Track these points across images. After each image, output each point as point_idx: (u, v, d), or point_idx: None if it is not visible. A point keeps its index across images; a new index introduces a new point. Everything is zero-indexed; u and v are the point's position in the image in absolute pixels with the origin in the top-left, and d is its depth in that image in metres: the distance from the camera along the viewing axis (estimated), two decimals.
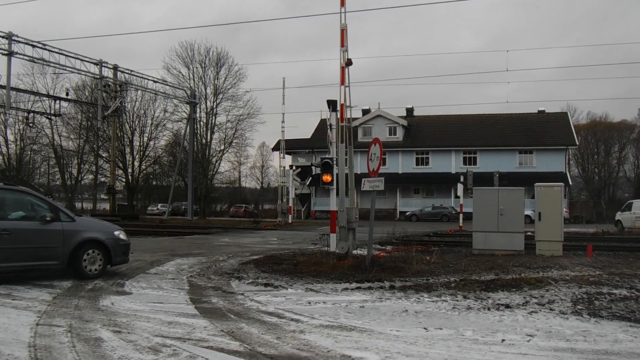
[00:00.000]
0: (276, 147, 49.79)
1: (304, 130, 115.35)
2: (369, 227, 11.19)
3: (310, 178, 50.53)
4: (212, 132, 46.86)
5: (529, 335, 6.47)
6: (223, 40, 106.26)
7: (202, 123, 46.22)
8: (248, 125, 49.11)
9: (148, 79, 36.71)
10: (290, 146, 48.80)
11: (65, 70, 31.00)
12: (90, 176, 54.10)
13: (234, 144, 49.81)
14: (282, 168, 37.67)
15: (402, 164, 48.27)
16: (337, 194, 12.97)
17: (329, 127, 13.29)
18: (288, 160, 52.58)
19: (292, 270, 10.99)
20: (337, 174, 12.96)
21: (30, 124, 37.11)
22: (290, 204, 36.12)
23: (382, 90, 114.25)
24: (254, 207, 65.02)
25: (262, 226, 31.25)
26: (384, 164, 47.64)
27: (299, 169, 41.34)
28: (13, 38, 26.85)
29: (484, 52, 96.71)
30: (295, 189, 41.48)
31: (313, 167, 50.55)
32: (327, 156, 13.18)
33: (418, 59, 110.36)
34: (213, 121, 46.67)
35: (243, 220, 38.48)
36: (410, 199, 47.24)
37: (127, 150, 49.85)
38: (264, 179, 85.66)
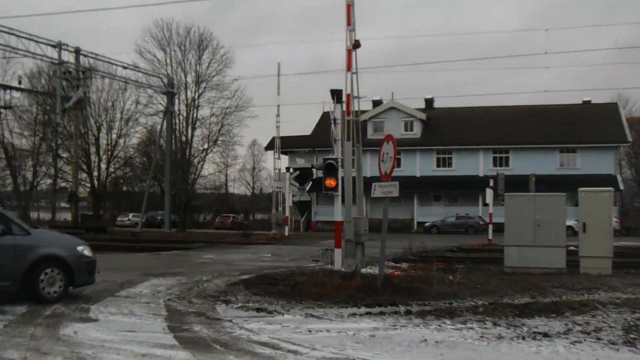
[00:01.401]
0: (270, 146, 49.77)
1: (304, 125, 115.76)
2: (381, 241, 11.22)
3: (311, 183, 50.69)
4: (194, 128, 46.95)
5: None
6: (208, 19, 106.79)
7: (181, 117, 46.29)
8: (236, 119, 49.16)
9: (117, 65, 36.79)
10: (287, 144, 48.84)
11: (16, 53, 31.14)
12: (49, 181, 54.32)
13: (219, 142, 50.02)
14: (277, 171, 37.74)
15: (421, 165, 48.48)
16: (343, 201, 13.00)
17: (332, 121, 13.34)
18: (284, 161, 52.86)
19: (290, 292, 11.02)
20: (342, 178, 13.00)
21: None
22: (287, 213, 36.26)
23: (397, 78, 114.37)
24: (244, 217, 65.10)
25: (253, 240, 31.34)
26: (399, 165, 47.76)
27: (297, 172, 41.53)
28: None
29: (519, 32, 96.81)
30: (293, 196, 41.54)
31: (314, 170, 50.75)
32: (330, 156, 13.22)
33: (440, 41, 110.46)
34: (195, 115, 46.79)
35: (230, 233, 38.55)
36: (430, 208, 47.53)
37: (93, 149, 49.94)
38: (255, 183, 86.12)
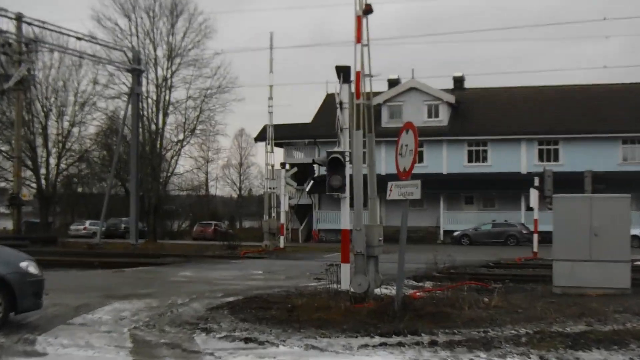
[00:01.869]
0: (261, 137, 49.88)
1: (303, 111, 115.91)
2: (399, 255, 11.23)
3: (312, 182, 50.70)
4: (166, 114, 47.07)
5: None
6: None
7: (150, 101, 46.42)
8: (219, 103, 49.30)
9: (69, 35, 36.75)
10: (282, 135, 48.89)
11: None
12: None
13: (198, 132, 50.13)
14: (269, 167, 37.80)
15: (448, 160, 48.68)
16: (352, 205, 13.02)
17: (338, 106, 13.36)
18: (279, 155, 52.80)
19: (286, 318, 11.04)
20: (351, 176, 13.02)
21: None
22: (282, 220, 36.25)
23: (418, 52, 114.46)
24: (228, 225, 65.24)
25: (240, 253, 31.44)
26: (421, 160, 47.89)
27: (295, 169, 41.48)
28: None
29: None
30: (290, 198, 41.54)
31: (316, 166, 50.85)
32: (336, 149, 13.24)
33: (473, 5, 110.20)
34: (167, 98, 46.93)
35: (212, 245, 38.62)
36: (460, 213, 47.80)
37: (39, 141, 49.79)
38: (242, 183, 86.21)
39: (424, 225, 46.50)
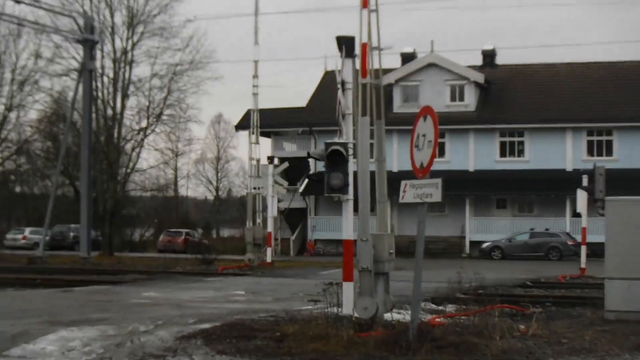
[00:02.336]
0: (243, 124, 50.14)
1: (296, 92, 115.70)
2: (415, 271, 11.23)
3: (307, 181, 50.62)
4: (126, 96, 47.01)
5: None
6: None
7: (106, 79, 46.37)
8: (191, 82, 49.22)
9: None
10: (270, 121, 48.85)
11: None
12: None
13: (165, 118, 50.02)
14: (253, 162, 37.79)
15: (476, 154, 48.84)
16: (356, 209, 13.03)
17: (340, 86, 13.35)
18: (265, 147, 52.77)
19: (274, 350, 11.03)
20: (355, 173, 13.03)
21: None
22: (270, 228, 36.41)
23: (439, 19, 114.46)
24: (203, 233, 65.17)
25: (218, 269, 31.66)
26: (442, 154, 47.98)
27: (286, 164, 41.36)
28: None
29: None
30: (279, 201, 41.38)
31: (311, 161, 50.63)
32: (336, 140, 13.24)
33: None
34: (127, 75, 46.87)
35: (183, 258, 38.75)
36: (490, 220, 48.00)
37: None
38: (220, 182, 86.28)
39: (445, 235, 46.50)
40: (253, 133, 37.43)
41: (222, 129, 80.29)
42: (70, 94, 45.02)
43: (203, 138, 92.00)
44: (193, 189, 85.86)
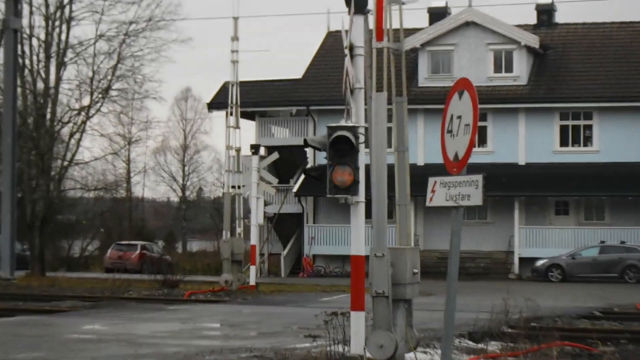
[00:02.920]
0: (219, 102, 50.28)
1: (289, 60, 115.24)
2: (447, 297, 11.18)
3: (303, 177, 50.29)
4: (62, 65, 46.92)
5: None
6: None
7: (36, 42, 46.27)
8: (150, 46, 49.11)
9: None
10: (255, 99, 49.10)
11: None
12: None
13: (115, 94, 49.97)
14: (232, 153, 37.73)
15: (528, 142, 49.05)
16: (368, 215, 12.97)
17: (347, 52, 13.28)
18: (248, 132, 52.35)
19: None
20: (367, 168, 12.97)
21: None
22: (254, 240, 36.48)
23: None
24: (165, 247, 64.91)
25: (184, 294, 31.85)
26: (483, 141, 48.32)
27: (276, 155, 41.17)
28: None
29: None
30: (267, 204, 41.03)
31: (309, 151, 50.23)
32: (343, 123, 13.18)
33: None
34: (64, 38, 46.76)
35: (138, 280, 38.62)
36: (547, 230, 48.07)
37: None
38: (188, 178, 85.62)
39: (488, 250, 46.52)
40: (231, 114, 37.28)
41: (191, 109, 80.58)
42: None
43: (165, 120, 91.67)
44: (151, 188, 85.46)
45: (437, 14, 52.28)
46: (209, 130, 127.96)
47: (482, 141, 47.17)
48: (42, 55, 46.46)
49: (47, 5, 46.33)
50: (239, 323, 21.97)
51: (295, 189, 49.58)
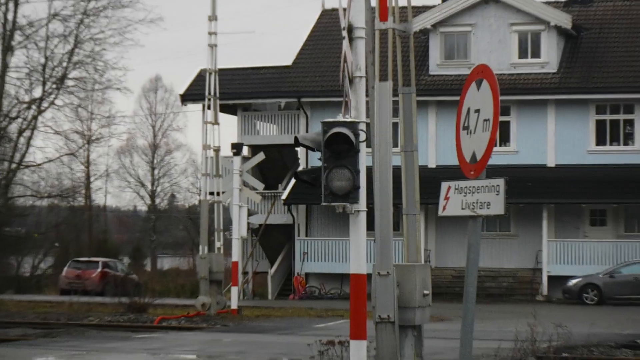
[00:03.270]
0: (194, 93, 50.66)
1: (277, 43, 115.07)
2: (463, 323, 11.25)
3: (294, 182, 50.14)
4: (10, 50, 46.93)
5: None
6: None
7: None
8: (112, 28, 49.16)
9: None
10: (237, 89, 49.70)
11: None
12: None
13: (71, 84, 49.93)
14: (210, 153, 37.76)
15: (558, 140, 49.22)
16: (371, 227, 13.01)
17: (345, 34, 13.34)
18: (229, 128, 52.01)
19: None
20: (370, 171, 13.01)
21: None
22: (236, 256, 36.77)
23: None
24: (131, 264, 64.50)
25: (154, 320, 31.96)
26: (506, 139, 48.58)
27: (261, 156, 41.17)
28: None
29: None
30: (251, 214, 40.98)
31: (301, 151, 50.06)
32: (340, 118, 13.23)
33: None
34: (11, 17, 46.79)
35: (99, 303, 38.88)
36: (581, 243, 48.06)
37: None
38: (158, 184, 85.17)
39: (511, 267, 46.61)
40: (209, 107, 37.33)
41: (161, 101, 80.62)
42: None
43: (131, 115, 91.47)
44: (115, 195, 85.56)
45: None
46: (183, 126, 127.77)
47: (505, 139, 47.26)
48: None
49: None
50: (219, 354, 22.01)
51: (284, 196, 49.61)
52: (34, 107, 48.33)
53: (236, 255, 36.16)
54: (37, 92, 48.24)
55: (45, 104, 48.57)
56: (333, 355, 13.46)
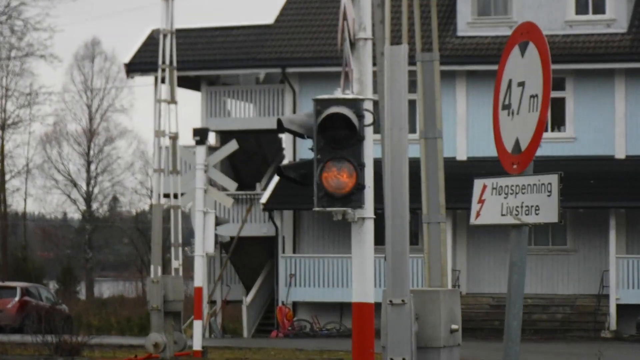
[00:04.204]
0: (143, 61, 49.82)
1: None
2: None
3: (276, 180, 50.12)
4: None
5: None
6: None
7: None
8: None
9: None
10: (202, 56, 49.40)
11: None
12: None
13: None
14: (165, 142, 37.86)
15: (630, 123, 49.42)
16: (379, 241, 13.02)
17: None
18: (190, 108, 51.71)
19: None
20: (378, 165, 13.03)
21: None
22: (199, 280, 36.83)
23: None
24: (58, 292, 64.30)
25: None
26: (558, 123, 48.15)
27: (234, 145, 41.14)
28: None
29: None
30: (219, 223, 40.98)
31: (286, 138, 50.03)
32: (338, 95, 13.25)
33: None
34: None
35: (16, 344, 38.47)
36: None
37: None
38: (95, 183, 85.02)
39: (568, 293, 46.74)
40: (163, 81, 37.43)
41: (100, 73, 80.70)
42: None
43: (59, 92, 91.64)
44: (39, 199, 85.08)
45: None
46: (129, 106, 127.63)
47: (559, 122, 47.40)
48: None
49: None
50: None
51: (264, 199, 49.71)
52: None
53: (200, 278, 36.15)
54: None
55: None
56: None
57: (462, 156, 45.59)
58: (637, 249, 47.59)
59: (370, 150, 12.91)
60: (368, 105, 12.94)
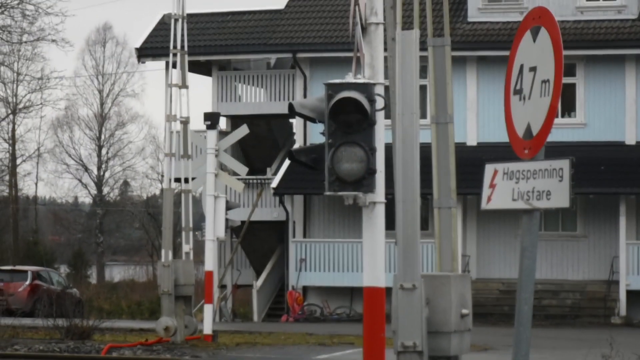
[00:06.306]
0: (154, 46, 50.30)
1: None
2: (515, 352, 11.26)
3: (288, 164, 49.89)
4: None
5: None
6: None
7: None
8: None
9: None
10: (212, 41, 49.65)
11: None
12: None
13: None
14: (176, 127, 37.76)
15: None
16: (390, 225, 13.00)
17: None
18: (201, 93, 51.73)
19: None
20: (389, 149, 13.01)
21: None
22: (210, 264, 37.04)
23: None
24: (69, 276, 64.18)
25: (101, 351, 31.72)
26: (569, 108, 48.15)
27: (244, 130, 40.99)
28: None
29: None
30: (230, 207, 40.93)
31: (297, 122, 49.78)
32: (350, 79, 13.23)
33: None
34: None
35: (28, 327, 38.36)
36: None
37: None
38: (106, 168, 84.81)
39: (578, 279, 46.66)
40: (175, 66, 37.39)
41: (111, 58, 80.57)
42: None
43: (71, 77, 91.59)
44: (50, 183, 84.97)
45: None
46: (140, 91, 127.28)
47: (569, 108, 47.30)
48: None
49: None
50: None
51: (275, 184, 49.62)
52: None
53: (211, 262, 36.11)
54: None
55: None
56: None
57: (472, 141, 45.55)
58: None
59: (382, 134, 12.90)
60: (379, 89, 12.93)
